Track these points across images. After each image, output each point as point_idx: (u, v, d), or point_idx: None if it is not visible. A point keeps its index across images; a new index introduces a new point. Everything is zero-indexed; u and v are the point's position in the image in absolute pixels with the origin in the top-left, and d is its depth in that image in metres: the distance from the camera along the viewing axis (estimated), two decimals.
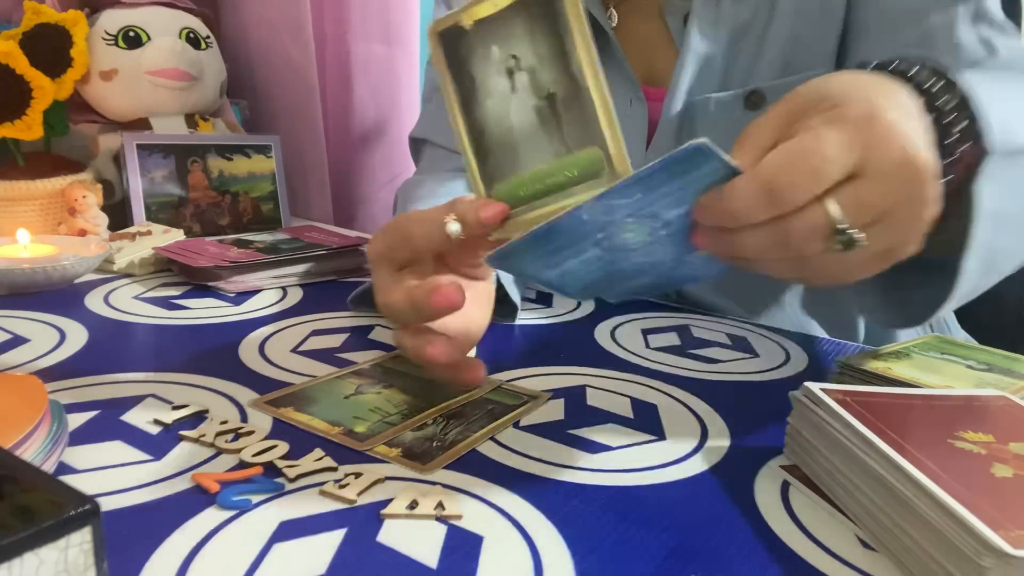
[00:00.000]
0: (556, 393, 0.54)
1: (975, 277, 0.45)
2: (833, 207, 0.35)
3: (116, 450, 0.43)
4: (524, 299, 0.75)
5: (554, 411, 0.51)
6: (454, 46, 0.45)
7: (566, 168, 0.45)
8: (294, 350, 0.59)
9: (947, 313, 0.48)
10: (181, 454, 0.43)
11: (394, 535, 0.37)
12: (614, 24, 0.76)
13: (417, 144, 0.88)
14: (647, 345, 0.64)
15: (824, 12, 0.69)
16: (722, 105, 0.71)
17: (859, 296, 0.54)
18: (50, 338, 0.59)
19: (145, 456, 0.42)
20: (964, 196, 0.43)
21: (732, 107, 0.70)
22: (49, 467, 0.39)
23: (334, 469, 0.42)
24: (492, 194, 0.46)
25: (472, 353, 0.54)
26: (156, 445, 0.44)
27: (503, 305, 0.66)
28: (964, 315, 0.87)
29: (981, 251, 0.44)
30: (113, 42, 0.93)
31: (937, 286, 0.46)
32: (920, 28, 0.63)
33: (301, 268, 0.79)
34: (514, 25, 0.44)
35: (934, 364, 0.56)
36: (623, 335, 0.67)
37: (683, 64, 0.70)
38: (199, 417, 0.47)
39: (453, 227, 0.46)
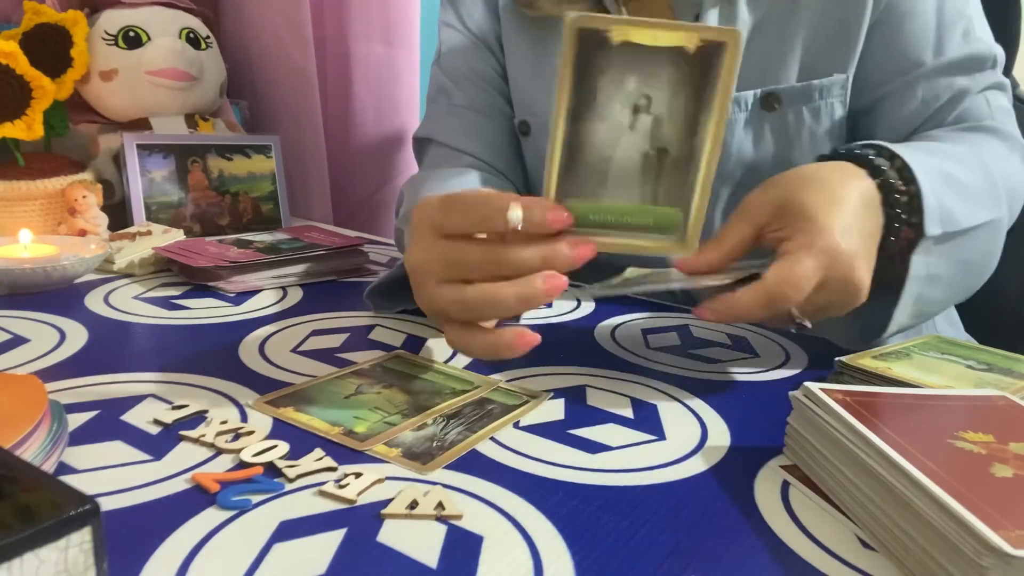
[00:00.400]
0: (556, 393, 0.54)
1: (906, 319, 0.58)
2: (795, 312, 0.50)
3: (116, 450, 0.43)
4: None
5: (554, 411, 0.51)
6: (590, 50, 0.43)
7: (645, 215, 0.47)
8: (294, 350, 0.59)
9: (883, 339, 0.60)
10: (181, 454, 0.43)
11: (394, 535, 0.37)
12: None
13: (421, 144, 0.88)
14: (647, 345, 0.64)
15: (840, 23, 0.70)
16: (739, 104, 0.71)
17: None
18: (50, 338, 0.59)
19: (145, 456, 0.42)
20: (904, 261, 0.56)
21: (748, 105, 0.71)
22: (49, 467, 0.39)
23: (334, 469, 0.42)
24: (566, 206, 0.46)
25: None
26: (156, 445, 0.44)
27: None
28: (964, 315, 0.87)
29: (910, 303, 0.57)
30: (113, 42, 0.93)
31: (875, 323, 0.59)
32: (919, 72, 0.70)
33: (301, 268, 0.79)
34: (661, 69, 0.44)
35: (934, 364, 0.56)
36: (623, 335, 0.67)
37: None
38: (199, 417, 0.47)
39: (515, 215, 0.45)
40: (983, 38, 0.71)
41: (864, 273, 0.51)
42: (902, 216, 0.55)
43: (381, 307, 0.68)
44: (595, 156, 0.46)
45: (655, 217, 0.47)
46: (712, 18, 0.71)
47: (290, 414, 0.48)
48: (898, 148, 0.57)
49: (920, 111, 0.70)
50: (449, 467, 0.43)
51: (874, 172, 0.55)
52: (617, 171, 0.46)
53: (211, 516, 0.37)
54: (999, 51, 0.73)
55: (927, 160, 0.58)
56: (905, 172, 0.56)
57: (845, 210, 0.51)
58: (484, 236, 0.48)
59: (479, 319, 0.48)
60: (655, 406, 0.52)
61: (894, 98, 0.71)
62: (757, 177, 0.72)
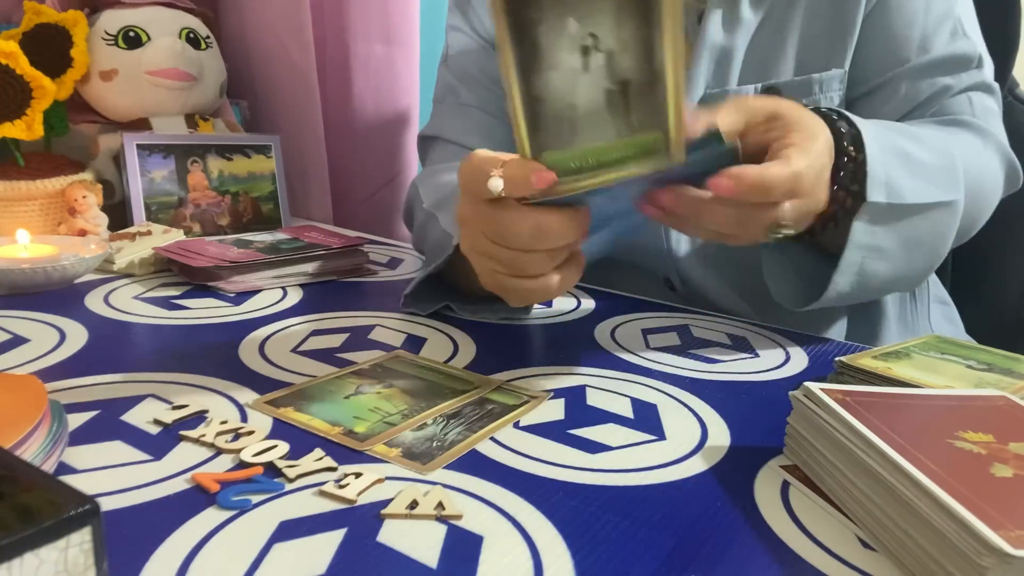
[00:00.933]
0: (556, 393, 0.54)
1: (847, 287, 0.61)
2: (785, 210, 0.51)
3: (116, 450, 0.43)
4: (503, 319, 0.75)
5: (554, 411, 0.51)
6: (522, 5, 0.43)
7: (625, 149, 0.46)
8: (294, 350, 0.59)
9: (825, 306, 0.63)
10: (181, 454, 0.43)
11: (394, 535, 0.37)
12: None
13: (427, 142, 0.88)
14: (647, 345, 0.64)
15: (836, 18, 0.71)
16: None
17: (770, 276, 0.67)
18: (50, 338, 0.59)
19: (145, 456, 0.42)
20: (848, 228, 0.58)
21: None
22: (49, 467, 0.39)
23: (334, 469, 0.42)
24: (543, 160, 0.46)
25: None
26: (156, 445, 0.44)
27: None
28: (964, 315, 0.87)
29: (852, 270, 0.60)
30: (113, 42, 0.93)
31: (818, 285, 0.61)
32: (912, 59, 0.71)
33: (301, 268, 0.79)
34: (599, 4, 0.43)
35: (934, 364, 0.56)
36: (623, 335, 0.67)
37: (699, 56, 0.72)
38: (199, 417, 0.47)
39: (495, 184, 0.47)
40: (971, 37, 0.72)
41: (825, 189, 0.54)
42: (843, 179, 0.58)
43: (419, 307, 0.69)
44: (558, 106, 0.45)
45: (635, 147, 0.46)
46: (716, 19, 0.71)
47: (290, 414, 0.48)
48: (859, 120, 0.59)
49: (900, 107, 0.72)
50: (449, 467, 0.43)
51: (833, 133, 0.57)
52: (585, 115, 0.45)
53: (211, 516, 0.37)
54: (984, 52, 0.74)
55: (886, 134, 0.60)
56: (858, 140, 0.58)
57: (821, 137, 0.54)
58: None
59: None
60: (655, 406, 0.52)
61: (878, 95, 0.73)
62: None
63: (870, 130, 0.59)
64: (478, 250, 0.53)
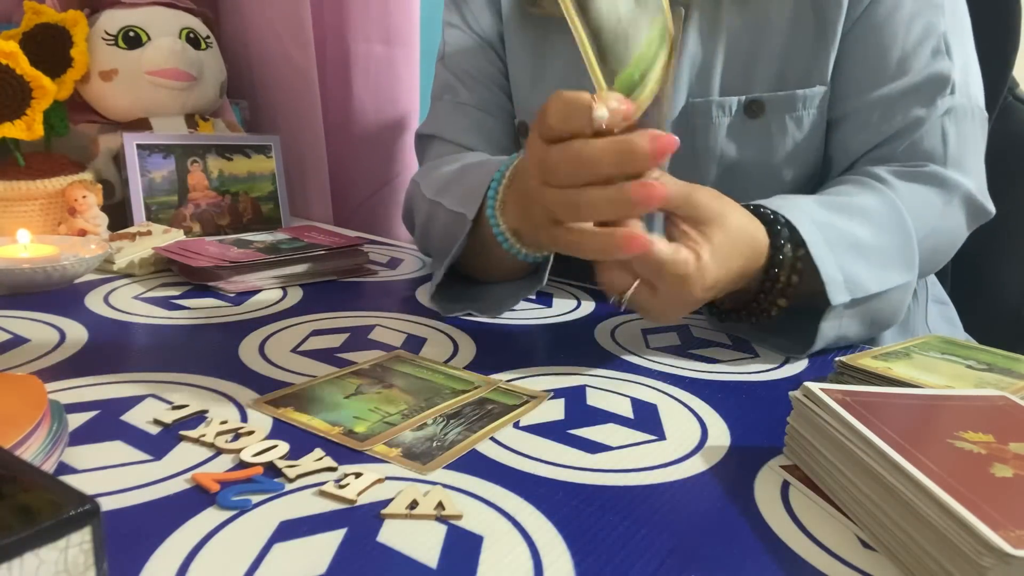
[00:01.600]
0: (556, 393, 0.54)
1: (825, 345, 0.63)
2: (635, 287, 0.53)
3: (116, 450, 0.43)
4: (524, 299, 0.75)
5: (554, 411, 0.51)
6: None
7: (653, 43, 0.49)
8: (294, 350, 0.59)
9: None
10: (181, 454, 0.43)
11: (394, 535, 0.37)
12: None
13: (424, 140, 0.88)
14: (647, 345, 0.64)
15: (819, 31, 0.70)
16: (723, 109, 0.72)
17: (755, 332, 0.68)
18: (50, 338, 0.59)
19: (145, 456, 0.42)
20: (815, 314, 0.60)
21: (733, 112, 0.72)
22: (49, 467, 0.39)
23: (334, 469, 0.42)
24: (615, 88, 0.48)
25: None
26: (156, 445, 0.44)
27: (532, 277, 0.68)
28: (964, 315, 0.87)
29: (827, 340, 0.62)
30: (113, 42, 0.93)
31: (791, 347, 0.64)
32: (892, 88, 0.70)
33: (301, 268, 0.79)
34: None
35: (934, 364, 0.56)
36: (623, 335, 0.67)
37: (679, 65, 0.71)
38: (199, 417, 0.47)
39: (600, 113, 0.46)
40: (952, 58, 0.70)
41: (688, 308, 0.55)
42: (795, 284, 0.60)
43: (442, 306, 0.69)
44: (610, 27, 0.47)
45: (659, 34, 0.50)
46: (694, 18, 0.72)
47: (290, 414, 0.48)
48: (798, 219, 0.59)
49: (871, 138, 0.70)
50: (449, 467, 0.43)
51: (773, 246, 0.58)
52: (628, 23, 0.48)
53: (211, 516, 0.37)
54: (972, 69, 0.72)
55: (831, 226, 0.61)
56: (807, 260, 0.59)
57: (735, 254, 0.55)
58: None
59: (580, 220, 0.50)
60: (655, 406, 0.52)
61: (849, 123, 0.72)
62: (733, 178, 0.73)
63: (811, 229, 0.59)
64: (551, 196, 0.50)
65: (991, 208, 0.73)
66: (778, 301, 0.61)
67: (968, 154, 0.71)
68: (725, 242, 0.54)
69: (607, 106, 0.46)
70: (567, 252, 0.52)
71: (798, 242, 0.59)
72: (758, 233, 0.58)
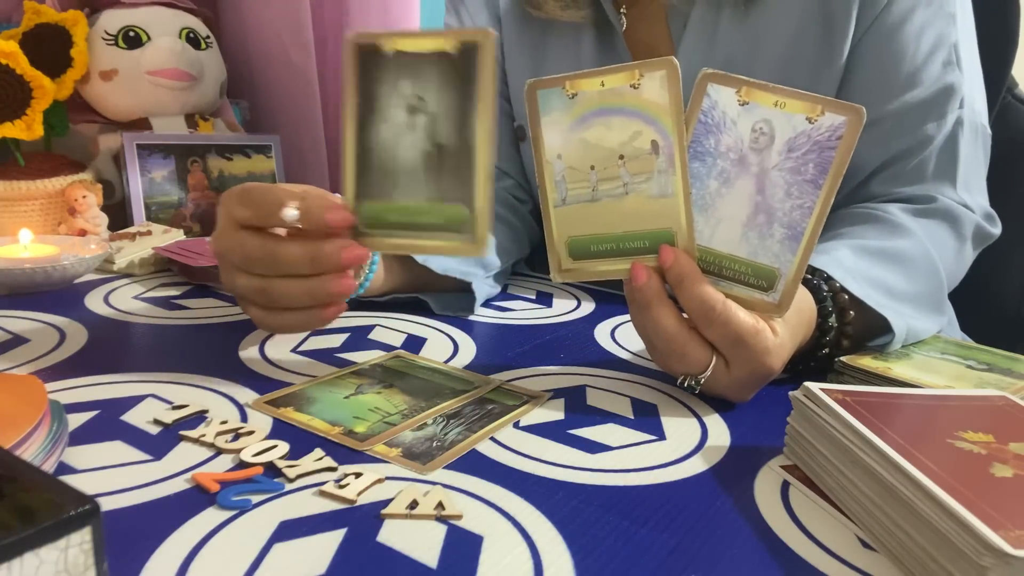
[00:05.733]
0: (556, 393, 0.54)
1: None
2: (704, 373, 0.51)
3: (116, 450, 0.43)
4: (524, 299, 0.75)
5: (554, 411, 0.51)
6: (369, 62, 0.49)
7: (434, 214, 0.50)
8: (294, 350, 0.59)
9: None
10: (181, 454, 0.43)
11: (394, 535, 0.37)
12: (624, 28, 0.77)
13: None
14: None
15: (824, 52, 0.69)
16: None
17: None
18: (50, 338, 0.59)
19: (145, 456, 0.42)
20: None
21: None
22: (49, 467, 0.39)
23: (334, 469, 0.42)
24: (362, 208, 0.50)
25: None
26: (156, 445, 0.44)
27: (461, 296, 0.69)
28: (964, 315, 0.87)
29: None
30: (113, 42, 0.93)
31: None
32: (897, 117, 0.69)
33: None
34: (430, 71, 0.48)
35: (934, 364, 0.56)
36: (623, 335, 0.67)
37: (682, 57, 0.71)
38: (199, 417, 0.47)
39: (289, 213, 0.49)
40: (963, 69, 0.69)
41: (763, 384, 0.53)
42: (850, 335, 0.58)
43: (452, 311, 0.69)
44: (383, 157, 0.50)
45: (444, 215, 0.50)
46: (695, 28, 0.71)
47: (290, 414, 0.48)
48: (855, 287, 0.57)
49: (880, 155, 0.69)
50: (449, 467, 0.43)
51: (822, 313, 0.56)
52: (404, 170, 0.50)
53: (211, 516, 0.37)
54: (977, 82, 0.72)
55: (881, 285, 0.60)
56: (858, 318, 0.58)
57: (802, 323, 0.54)
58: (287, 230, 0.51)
59: (277, 307, 0.52)
60: (655, 406, 0.52)
61: (865, 133, 0.70)
62: None
63: (866, 291, 0.58)
64: (243, 282, 0.52)
65: (996, 232, 0.72)
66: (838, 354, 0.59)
67: (974, 176, 0.71)
68: (792, 314, 0.52)
69: (311, 214, 0.49)
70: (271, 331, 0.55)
71: (843, 305, 0.57)
72: (809, 298, 0.56)
